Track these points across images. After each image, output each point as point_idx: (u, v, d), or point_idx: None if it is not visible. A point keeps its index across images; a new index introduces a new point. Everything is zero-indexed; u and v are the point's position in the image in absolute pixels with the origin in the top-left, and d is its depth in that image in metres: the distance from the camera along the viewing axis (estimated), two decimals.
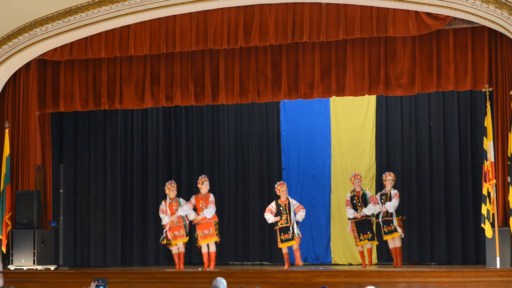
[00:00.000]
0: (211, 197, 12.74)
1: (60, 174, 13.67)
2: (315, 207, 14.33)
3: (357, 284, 10.97)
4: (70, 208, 14.15)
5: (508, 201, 11.19)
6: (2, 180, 12.88)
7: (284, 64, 12.60)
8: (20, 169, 13.19)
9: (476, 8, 11.13)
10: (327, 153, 14.58)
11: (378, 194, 12.85)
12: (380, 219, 12.66)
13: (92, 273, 12.05)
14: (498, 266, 11.15)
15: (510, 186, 11.18)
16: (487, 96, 11.63)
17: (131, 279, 11.91)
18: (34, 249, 12.71)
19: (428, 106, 14.08)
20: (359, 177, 12.97)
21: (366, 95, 12.80)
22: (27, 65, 13.31)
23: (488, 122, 11.52)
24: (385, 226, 12.63)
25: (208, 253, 12.73)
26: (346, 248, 14.25)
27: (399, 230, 12.57)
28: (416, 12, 11.65)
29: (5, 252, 12.79)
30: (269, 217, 12.77)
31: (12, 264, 12.74)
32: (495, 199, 11.32)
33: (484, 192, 11.36)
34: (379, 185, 13.86)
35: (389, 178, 12.80)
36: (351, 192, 12.95)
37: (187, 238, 12.84)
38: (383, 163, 14.22)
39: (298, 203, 12.73)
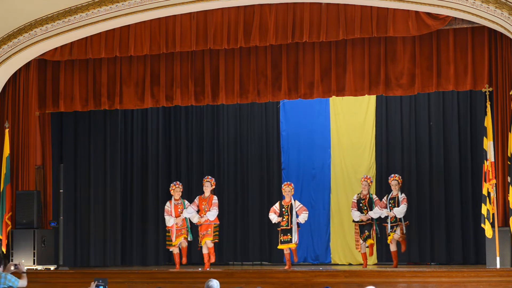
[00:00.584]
0: (215, 199, 12.68)
1: (60, 174, 13.68)
2: (314, 207, 14.33)
3: (357, 284, 10.97)
4: (70, 208, 14.15)
5: (508, 201, 11.19)
6: (2, 180, 12.88)
7: (284, 64, 12.60)
8: (20, 169, 13.19)
9: (476, 8, 11.13)
10: (327, 153, 14.59)
11: (386, 197, 12.78)
12: (388, 223, 12.60)
13: (92, 273, 12.05)
14: (498, 266, 11.15)
15: (510, 186, 11.18)
16: (487, 96, 11.63)
17: (131, 279, 11.90)
18: (34, 249, 12.71)
19: (428, 106, 14.08)
20: (368, 180, 12.90)
21: (366, 95, 12.80)
22: (27, 65, 13.31)
23: (488, 122, 11.52)
24: (391, 230, 12.55)
25: (209, 256, 12.71)
26: (346, 248, 14.25)
27: (396, 237, 12.50)
28: (416, 12, 11.65)
29: (5, 252, 12.78)
30: (273, 217, 12.77)
31: None
32: (495, 199, 11.32)
33: (484, 192, 11.37)
34: (379, 186, 13.88)
35: (393, 182, 12.69)
36: (357, 195, 12.92)
37: (186, 235, 12.78)
38: (383, 163, 14.23)
39: (301, 205, 12.69)
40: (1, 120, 13.23)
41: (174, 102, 13.05)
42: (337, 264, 14.21)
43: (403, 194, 12.66)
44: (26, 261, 12.61)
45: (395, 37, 12.08)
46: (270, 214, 12.85)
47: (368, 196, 12.80)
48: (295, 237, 12.48)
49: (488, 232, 11.27)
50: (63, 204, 13.63)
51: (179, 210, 12.73)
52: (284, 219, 12.59)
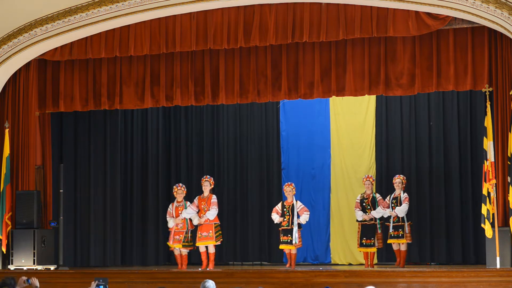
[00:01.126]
0: (214, 198, 12.70)
1: (60, 174, 13.67)
2: (314, 207, 14.32)
3: (357, 284, 10.96)
4: (70, 208, 14.15)
5: (508, 201, 11.19)
6: (2, 180, 12.87)
7: (284, 64, 12.59)
8: (20, 169, 13.19)
9: (476, 8, 11.13)
10: (326, 153, 14.58)
11: (389, 197, 12.78)
12: (390, 223, 12.59)
13: (92, 273, 12.05)
14: (498, 266, 11.15)
15: (510, 186, 11.18)
16: (487, 96, 11.63)
17: (131, 279, 11.91)
18: (34, 249, 12.71)
19: (428, 106, 14.08)
20: (371, 179, 12.91)
21: (366, 95, 12.80)
22: (27, 65, 13.31)
23: (488, 122, 11.52)
24: (393, 230, 12.55)
25: (207, 254, 12.70)
26: (346, 248, 14.25)
27: (408, 239, 12.51)
28: (416, 12, 11.65)
29: (5, 252, 12.79)
30: (275, 217, 12.78)
31: (12, 264, 12.74)
32: (495, 199, 11.32)
33: (484, 192, 11.36)
34: (379, 186, 13.87)
35: (397, 181, 12.70)
36: (361, 195, 12.91)
37: (181, 245, 12.76)
38: (383, 163, 14.22)
39: (302, 206, 12.68)
40: (1, 120, 13.22)
41: (174, 102, 13.05)
42: (337, 264, 14.20)
43: (405, 194, 12.66)
44: (26, 261, 12.64)
45: (395, 37, 12.08)
46: (272, 214, 12.85)
47: (371, 195, 12.79)
48: (296, 239, 12.47)
49: (488, 232, 11.27)
50: (63, 204, 13.63)
51: (180, 211, 12.74)
52: (285, 219, 12.59)
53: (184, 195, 12.91)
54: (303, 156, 14.72)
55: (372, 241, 12.64)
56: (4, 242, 12.74)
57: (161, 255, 14.84)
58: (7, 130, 13.01)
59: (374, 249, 12.74)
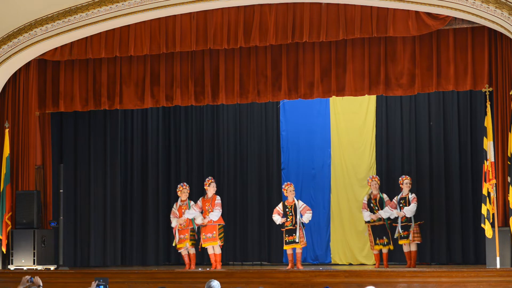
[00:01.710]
0: (218, 199, 12.73)
1: (60, 174, 13.68)
2: (314, 207, 14.27)
3: (357, 284, 10.97)
4: (70, 208, 14.16)
5: (508, 201, 11.20)
6: (2, 180, 12.88)
7: (284, 64, 12.60)
8: (20, 169, 13.19)
9: (476, 8, 11.13)
10: (326, 153, 14.57)
11: (396, 197, 12.75)
12: (398, 224, 12.59)
13: (92, 273, 12.06)
14: (498, 266, 11.15)
15: (510, 186, 11.18)
16: (487, 96, 11.63)
17: (131, 279, 11.91)
18: (34, 249, 12.71)
19: (428, 106, 14.08)
20: (376, 179, 12.88)
21: (366, 95, 12.80)
22: (27, 65, 13.31)
23: (488, 122, 11.52)
24: (403, 230, 12.53)
25: (214, 255, 12.73)
26: (346, 248, 14.24)
27: (411, 237, 12.49)
28: (416, 12, 11.65)
29: (5, 252, 12.79)
30: (277, 218, 12.77)
31: (12, 264, 12.74)
32: (495, 199, 11.32)
33: (484, 192, 11.37)
34: (380, 186, 13.83)
35: (406, 181, 12.69)
36: (367, 195, 12.90)
37: (190, 242, 12.80)
38: (383, 163, 14.22)
39: (304, 205, 12.68)
40: (1, 120, 13.23)
41: (174, 102, 13.05)
42: (337, 264, 14.20)
43: (413, 194, 12.65)
44: (26, 261, 12.64)
45: (395, 37, 12.09)
46: (273, 215, 12.84)
47: (378, 196, 12.78)
48: (299, 237, 12.47)
49: (488, 232, 11.27)
50: (63, 204, 13.64)
51: (183, 211, 12.75)
52: (288, 220, 12.59)
53: (188, 194, 12.93)
54: (303, 156, 14.71)
55: (386, 240, 12.62)
56: (4, 242, 12.74)
57: (161, 255, 14.84)
58: (7, 130, 13.01)
59: (387, 249, 12.67)
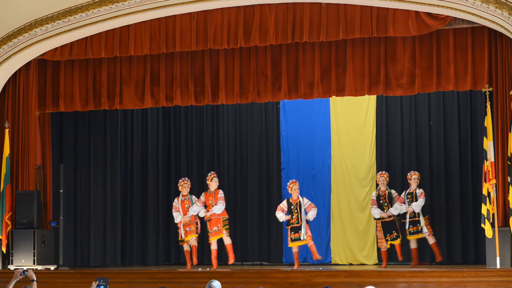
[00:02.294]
0: (220, 193, 12.79)
1: (60, 174, 13.68)
2: None
3: (357, 284, 10.97)
4: (70, 208, 14.16)
5: (508, 201, 11.20)
6: (2, 180, 12.88)
7: (284, 64, 12.60)
8: (20, 169, 13.19)
9: (476, 8, 11.13)
10: (327, 153, 14.57)
11: (404, 193, 12.77)
12: (407, 219, 12.59)
13: (92, 273, 12.07)
14: (498, 266, 11.15)
15: (510, 186, 11.18)
16: (487, 96, 11.63)
17: (131, 279, 11.91)
18: (34, 249, 12.71)
19: (428, 106, 14.08)
20: (385, 175, 12.86)
21: (366, 95, 12.80)
22: (27, 65, 13.31)
23: (488, 122, 11.52)
24: (411, 226, 12.55)
25: (217, 254, 12.76)
26: (346, 248, 14.24)
27: (426, 230, 12.51)
28: (416, 12, 11.65)
29: (5, 252, 12.79)
30: (280, 215, 12.79)
31: (12, 264, 12.74)
32: (495, 199, 11.32)
33: (484, 192, 11.37)
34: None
35: (414, 177, 12.73)
36: (376, 192, 12.90)
37: (197, 235, 12.84)
38: (383, 163, 14.22)
39: (309, 202, 12.73)
40: (1, 120, 13.23)
41: (174, 102, 13.06)
42: (337, 264, 14.19)
43: (421, 189, 12.67)
44: (26, 261, 12.63)
45: (395, 37, 12.09)
46: (277, 212, 12.85)
47: (387, 192, 12.78)
48: (304, 234, 12.49)
49: (488, 232, 11.28)
50: (63, 204, 13.64)
51: (186, 205, 12.80)
52: (293, 217, 12.61)
53: (189, 189, 12.94)
54: (303, 155, 14.71)
55: (396, 234, 12.61)
56: (4, 242, 12.74)
57: (161, 255, 14.84)
58: (7, 130, 13.01)
59: (398, 241, 12.67)
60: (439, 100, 13.98)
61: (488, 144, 11.44)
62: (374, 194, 12.95)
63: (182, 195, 12.93)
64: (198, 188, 14.01)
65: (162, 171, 15.14)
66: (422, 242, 12.91)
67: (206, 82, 12.87)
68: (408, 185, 12.96)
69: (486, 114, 11.58)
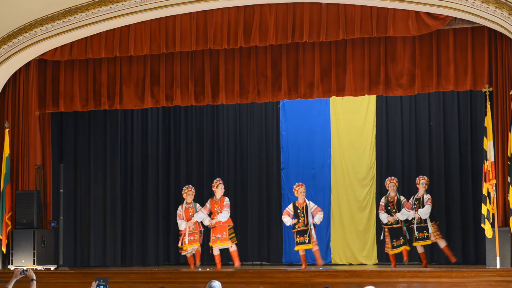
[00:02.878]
0: (226, 200, 12.74)
1: (60, 174, 13.68)
2: None
3: (357, 284, 10.97)
4: (70, 208, 14.16)
5: (508, 201, 11.20)
6: (2, 180, 12.88)
7: (284, 64, 12.59)
8: (20, 169, 13.19)
9: (476, 8, 11.13)
10: (326, 153, 14.57)
11: (412, 198, 12.70)
12: (414, 225, 12.50)
13: (92, 273, 12.06)
14: (498, 266, 11.15)
15: (510, 186, 11.18)
16: (487, 96, 11.63)
17: (131, 279, 11.91)
18: (34, 249, 12.71)
19: (428, 106, 14.08)
20: (394, 181, 12.75)
21: (366, 95, 12.80)
22: (27, 65, 13.31)
23: (488, 122, 11.52)
24: (418, 232, 12.46)
25: (221, 257, 12.77)
26: (346, 248, 14.24)
27: (432, 238, 12.42)
28: (416, 12, 11.65)
29: (5, 252, 12.79)
30: (287, 219, 12.76)
31: (12, 264, 12.74)
32: (495, 199, 11.32)
33: (484, 192, 11.37)
34: (379, 186, 13.85)
35: (422, 181, 12.59)
36: (385, 198, 12.80)
37: (199, 244, 12.83)
38: (383, 163, 14.22)
39: (316, 206, 12.70)
40: (1, 120, 13.23)
41: (174, 102, 13.05)
42: (337, 264, 14.19)
43: (428, 195, 12.55)
44: (26, 261, 12.63)
45: (395, 37, 12.09)
46: (283, 217, 12.83)
47: (396, 197, 12.69)
48: (314, 237, 12.50)
49: (488, 232, 11.27)
50: (63, 204, 13.64)
51: (190, 213, 12.75)
52: (300, 221, 12.59)
53: (193, 196, 12.93)
54: (303, 156, 14.70)
55: (402, 240, 12.54)
56: (4, 242, 12.74)
57: (161, 255, 14.83)
58: (7, 130, 13.01)
59: (407, 247, 12.59)
60: (439, 100, 13.98)
61: (488, 144, 11.43)
62: (383, 200, 12.83)
63: (186, 203, 12.89)
64: (198, 188, 14.02)
65: (162, 171, 15.13)
66: (431, 244, 12.87)
67: (206, 82, 12.87)
68: (414, 190, 12.89)
69: (486, 114, 11.58)
